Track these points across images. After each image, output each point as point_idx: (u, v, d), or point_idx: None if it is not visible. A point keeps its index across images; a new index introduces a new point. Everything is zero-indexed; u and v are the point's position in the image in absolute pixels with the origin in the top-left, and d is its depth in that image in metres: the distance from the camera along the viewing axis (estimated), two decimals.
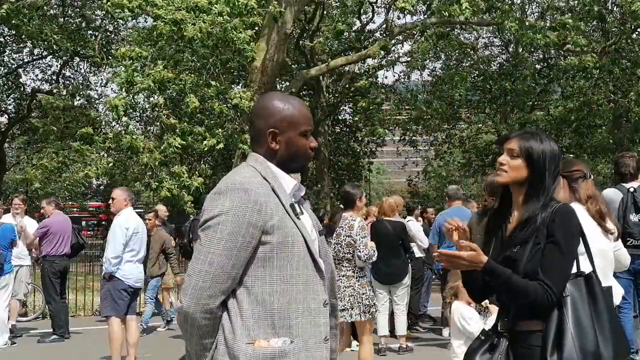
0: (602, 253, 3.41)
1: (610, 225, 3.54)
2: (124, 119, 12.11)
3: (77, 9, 20.59)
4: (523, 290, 2.33)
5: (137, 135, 11.08)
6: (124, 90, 10.66)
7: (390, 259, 7.54)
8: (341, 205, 6.26)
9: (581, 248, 2.47)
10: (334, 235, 5.84)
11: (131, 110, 12.37)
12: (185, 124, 11.24)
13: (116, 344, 6.42)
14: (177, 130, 11.08)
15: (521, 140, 2.48)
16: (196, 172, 11.42)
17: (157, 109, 11.54)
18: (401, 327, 7.65)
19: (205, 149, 11.11)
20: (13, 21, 15.27)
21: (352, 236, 5.77)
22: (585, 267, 2.46)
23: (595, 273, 2.45)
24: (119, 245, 6.38)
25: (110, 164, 12.64)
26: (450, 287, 4.64)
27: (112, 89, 23.10)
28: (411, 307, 8.53)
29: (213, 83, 11.20)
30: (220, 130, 11.38)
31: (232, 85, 16.07)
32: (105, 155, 13.51)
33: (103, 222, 36.04)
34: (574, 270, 2.41)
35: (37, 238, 8.56)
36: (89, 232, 35.90)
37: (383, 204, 7.96)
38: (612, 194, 5.93)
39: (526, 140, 2.47)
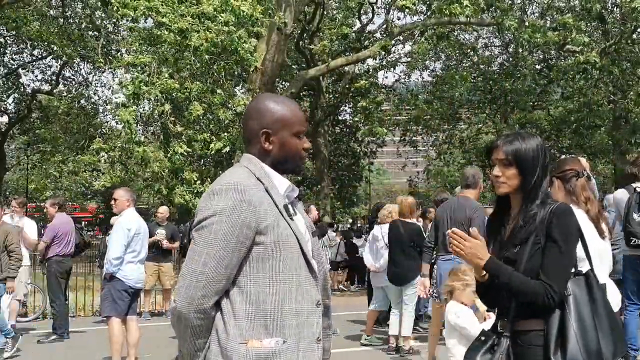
0: (600, 253, 3.42)
1: (603, 227, 3.55)
2: (133, 126, 12.16)
3: (79, 10, 20.62)
4: (524, 290, 2.34)
5: (147, 145, 11.09)
6: (131, 100, 10.69)
7: (401, 261, 7.58)
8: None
9: (579, 248, 2.48)
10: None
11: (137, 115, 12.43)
12: (190, 131, 11.27)
13: (116, 345, 6.41)
14: (183, 137, 11.11)
15: (506, 146, 2.49)
16: (208, 179, 11.43)
17: (163, 116, 11.55)
18: (407, 328, 7.61)
19: (212, 152, 11.14)
20: (14, 23, 15.35)
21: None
22: (583, 267, 2.48)
23: (593, 272, 2.47)
24: (121, 246, 6.37)
25: (123, 172, 12.69)
26: (446, 285, 4.67)
27: (113, 89, 23.23)
28: None
29: (218, 91, 11.23)
30: (225, 134, 11.41)
31: (236, 89, 16.11)
32: (115, 163, 13.52)
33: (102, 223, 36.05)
34: (574, 269, 2.43)
35: (45, 242, 8.57)
36: (89, 233, 35.84)
37: (402, 204, 7.93)
38: (622, 195, 6.01)
39: (511, 144, 2.49)
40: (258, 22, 10.73)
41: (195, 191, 10.72)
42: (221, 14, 10.42)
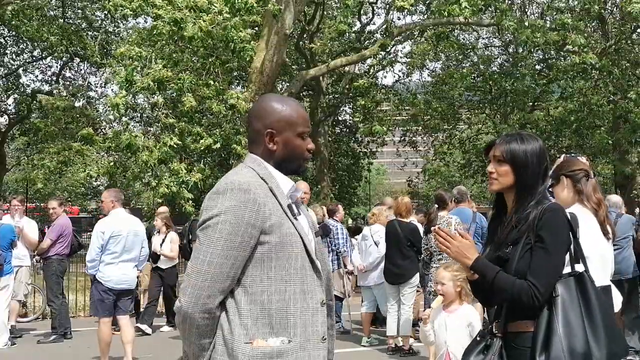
0: (603, 255, 3.40)
1: (608, 228, 3.54)
2: (124, 118, 12.13)
3: (79, 10, 20.62)
4: (508, 290, 2.35)
5: (135, 134, 11.08)
6: (123, 89, 10.67)
7: (397, 260, 7.62)
8: (435, 206, 7.22)
9: (572, 248, 2.48)
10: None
11: (131, 111, 12.39)
12: (183, 123, 11.24)
13: (102, 344, 6.52)
14: (176, 129, 11.09)
15: (503, 145, 2.52)
16: (195, 169, 11.40)
17: (156, 109, 11.56)
18: (405, 327, 7.64)
19: (202, 148, 11.12)
20: (13, 22, 15.29)
21: (451, 231, 6.50)
22: (578, 267, 2.46)
23: (588, 273, 2.45)
24: (94, 249, 6.50)
25: (111, 163, 12.67)
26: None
27: (112, 89, 23.27)
28: None
29: (212, 83, 11.20)
30: (217, 130, 11.39)
31: (231, 86, 16.09)
32: (106, 155, 13.50)
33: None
34: (568, 269, 2.42)
35: (51, 240, 8.57)
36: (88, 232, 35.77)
37: (398, 204, 7.97)
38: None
39: (508, 144, 2.51)
40: (254, 9, 10.67)
41: (182, 181, 10.69)
42: (214, 4, 10.41)
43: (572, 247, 2.46)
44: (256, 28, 12.14)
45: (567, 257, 2.45)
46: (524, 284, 2.32)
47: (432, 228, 2.61)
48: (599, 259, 3.30)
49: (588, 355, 2.27)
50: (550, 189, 3.37)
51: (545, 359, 2.26)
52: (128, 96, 10.84)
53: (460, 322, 4.07)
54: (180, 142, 10.83)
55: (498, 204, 2.63)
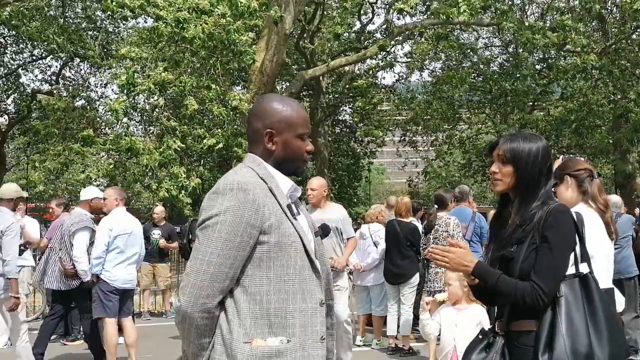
0: (607, 256, 3.40)
1: (612, 229, 3.54)
2: (124, 119, 12.14)
3: (78, 10, 20.62)
4: (511, 292, 2.35)
5: (136, 137, 11.09)
6: (124, 91, 10.67)
7: (397, 260, 7.62)
8: (435, 206, 7.27)
9: (577, 249, 2.48)
10: (432, 231, 6.93)
11: (131, 111, 12.40)
12: (185, 126, 11.25)
13: (110, 346, 6.36)
14: (177, 132, 11.09)
15: (505, 144, 2.52)
16: (194, 173, 11.40)
17: (157, 111, 11.57)
18: (405, 327, 7.63)
19: (205, 148, 11.11)
20: (13, 22, 15.30)
21: (449, 231, 6.77)
22: (583, 268, 2.47)
23: (592, 274, 2.46)
24: (101, 246, 6.32)
25: (111, 165, 12.66)
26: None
27: (112, 90, 23.28)
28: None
29: (213, 86, 11.22)
30: (219, 130, 11.40)
31: (232, 87, 16.09)
32: (106, 156, 13.52)
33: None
34: (573, 271, 2.42)
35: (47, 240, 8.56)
36: None
37: (399, 203, 7.96)
38: None
39: (510, 143, 2.51)
40: (256, 13, 10.68)
41: (181, 185, 10.69)
42: (217, 7, 10.42)
43: (577, 248, 2.46)
44: (255, 29, 12.12)
45: (572, 257, 2.44)
46: (527, 286, 2.33)
47: (426, 250, 2.60)
48: (604, 259, 3.29)
49: (590, 356, 2.28)
50: (552, 189, 3.36)
51: (549, 359, 2.27)
52: (128, 99, 10.84)
53: (469, 320, 4.10)
54: (183, 145, 10.84)
55: (502, 203, 2.63)
